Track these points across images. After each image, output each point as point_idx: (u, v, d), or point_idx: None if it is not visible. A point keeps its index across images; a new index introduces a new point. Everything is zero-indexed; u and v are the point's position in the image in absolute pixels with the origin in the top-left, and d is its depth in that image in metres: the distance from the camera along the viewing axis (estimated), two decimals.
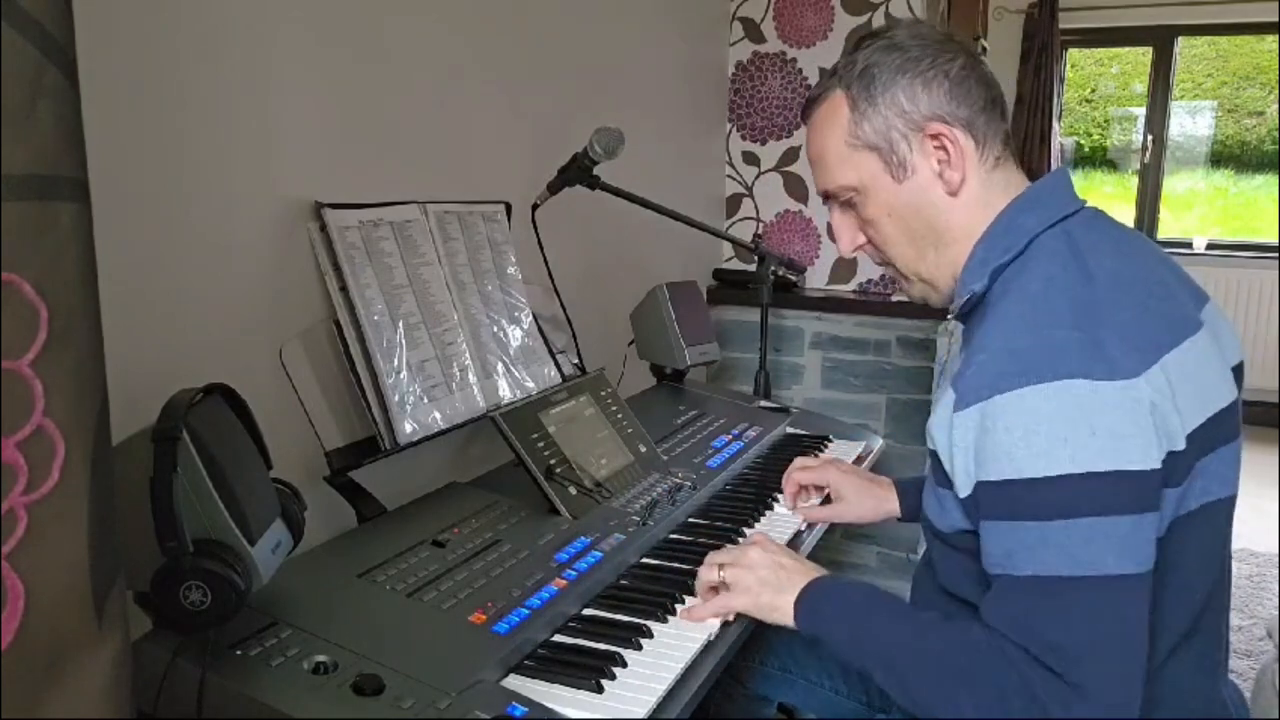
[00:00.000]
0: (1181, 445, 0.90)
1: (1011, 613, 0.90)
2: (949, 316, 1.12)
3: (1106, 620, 0.86)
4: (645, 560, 1.28)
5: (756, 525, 1.43)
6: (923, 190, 1.05)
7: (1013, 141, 1.09)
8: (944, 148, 1.03)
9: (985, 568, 0.94)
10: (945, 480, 0.98)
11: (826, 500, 1.50)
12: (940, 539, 1.04)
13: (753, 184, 2.90)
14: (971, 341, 1.02)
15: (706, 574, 1.14)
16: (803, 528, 1.45)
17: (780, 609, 1.08)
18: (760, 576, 1.11)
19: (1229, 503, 0.99)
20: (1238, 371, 1.05)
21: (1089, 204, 1.06)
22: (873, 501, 1.44)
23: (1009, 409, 0.88)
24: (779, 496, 1.53)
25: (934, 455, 0.99)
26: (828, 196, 1.12)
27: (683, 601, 1.15)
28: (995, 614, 0.91)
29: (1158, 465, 0.88)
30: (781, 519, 1.46)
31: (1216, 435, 0.95)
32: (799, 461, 1.52)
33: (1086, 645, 0.86)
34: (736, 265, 2.90)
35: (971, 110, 1.03)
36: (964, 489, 0.94)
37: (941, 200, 1.05)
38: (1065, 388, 0.87)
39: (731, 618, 1.12)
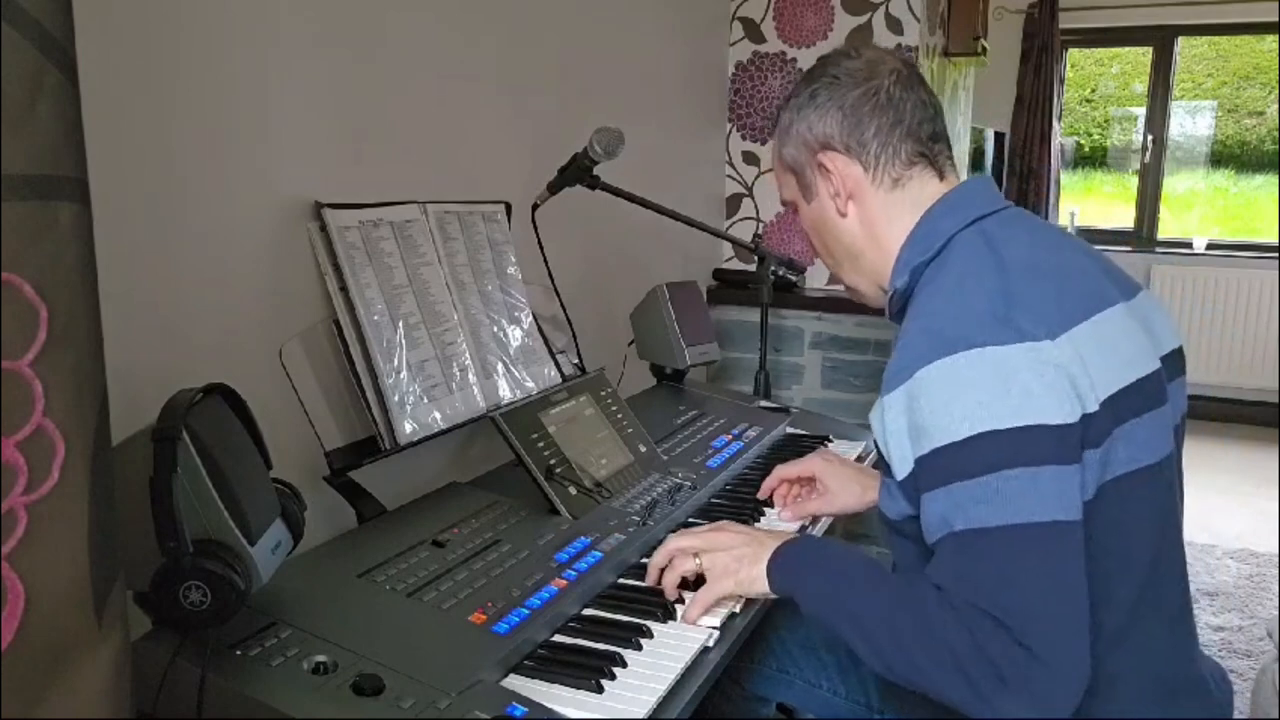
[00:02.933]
0: (1094, 408, 0.95)
1: (952, 568, 0.93)
2: (888, 318, 1.21)
3: (1043, 566, 0.90)
4: (645, 560, 1.28)
5: (756, 525, 1.43)
6: (824, 210, 1.18)
7: (941, 154, 1.16)
8: (830, 174, 1.15)
9: (927, 541, 0.97)
10: (888, 469, 1.03)
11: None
12: (891, 527, 1.09)
13: (753, 184, 2.90)
14: (899, 333, 1.08)
15: (683, 565, 1.15)
16: (806, 522, 1.45)
17: (758, 579, 1.11)
18: (736, 554, 1.13)
19: (1161, 469, 1.02)
20: (1174, 358, 1.10)
21: (1013, 207, 1.14)
22: (858, 488, 1.45)
23: (928, 382, 0.95)
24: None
25: (877, 447, 1.05)
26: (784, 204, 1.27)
27: (683, 601, 1.15)
28: (939, 573, 0.95)
29: (1073, 420, 0.93)
30: (781, 520, 1.46)
31: (1137, 402, 0.99)
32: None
33: (1026, 590, 0.89)
34: (736, 265, 2.90)
35: (862, 137, 1.13)
36: (901, 470, 0.99)
37: (836, 220, 1.17)
38: (977, 355, 0.93)
39: (739, 605, 1.13)
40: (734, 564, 1.12)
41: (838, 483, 1.45)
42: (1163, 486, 1.03)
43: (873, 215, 1.15)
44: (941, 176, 1.16)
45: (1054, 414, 0.92)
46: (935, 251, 1.09)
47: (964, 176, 1.19)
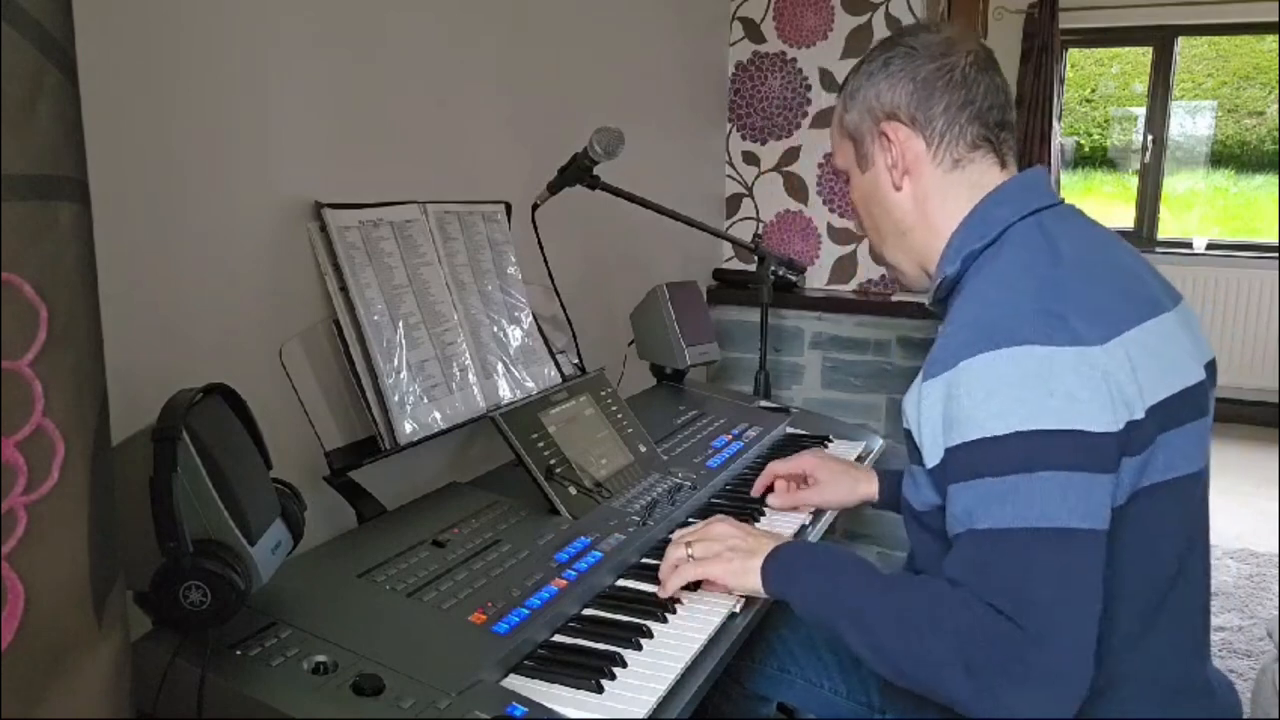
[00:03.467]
0: (1141, 415, 0.93)
1: (970, 563, 0.92)
2: (927, 303, 1.18)
3: (1062, 571, 0.88)
4: (645, 560, 1.28)
5: (756, 525, 1.43)
6: (878, 182, 1.16)
7: (1006, 143, 1.14)
8: (891, 145, 1.12)
9: (949, 532, 0.96)
10: (918, 457, 1.01)
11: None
12: (915, 519, 1.08)
13: (753, 184, 2.90)
14: (945, 320, 1.07)
15: (674, 552, 1.15)
16: (806, 521, 1.45)
17: (750, 571, 1.10)
18: (730, 545, 1.13)
19: (1196, 480, 1.01)
20: (1209, 368, 1.08)
21: (1066, 203, 1.11)
22: (849, 483, 1.45)
23: (971, 374, 0.93)
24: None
25: (907, 433, 1.04)
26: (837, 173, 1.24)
27: (682, 601, 1.15)
28: (955, 566, 0.94)
29: (1113, 429, 0.91)
30: (781, 519, 1.46)
31: (1181, 412, 0.98)
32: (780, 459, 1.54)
33: (1041, 593, 0.88)
34: (736, 265, 2.90)
35: (930, 112, 1.10)
36: (932, 458, 0.98)
37: (889, 192, 1.15)
38: (1024, 352, 0.91)
39: (739, 605, 1.13)
40: (726, 553, 1.12)
41: (828, 475, 1.47)
42: (1195, 497, 1.02)
43: (927, 193, 1.12)
44: (1003, 165, 1.13)
45: (1095, 421, 0.90)
46: (990, 240, 1.06)
47: None
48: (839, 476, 1.46)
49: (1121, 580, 0.95)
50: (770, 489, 1.51)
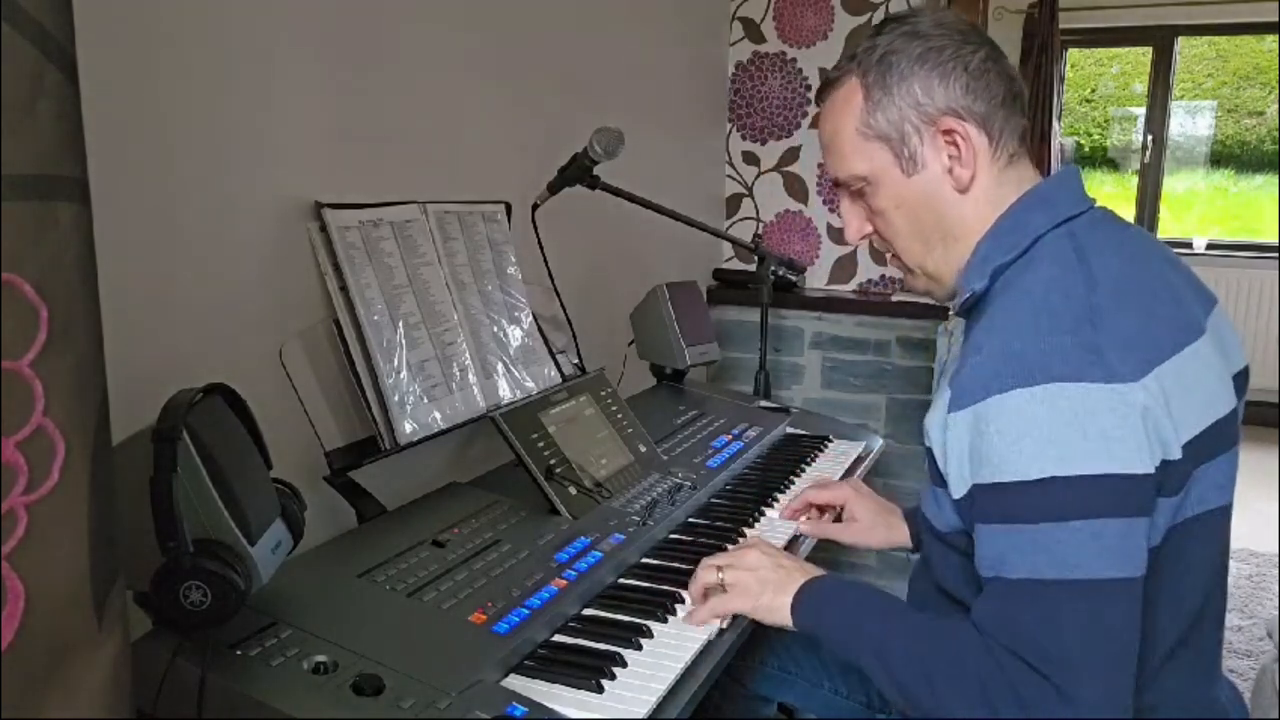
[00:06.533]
0: (1177, 455, 0.89)
1: (1001, 615, 0.90)
2: (951, 313, 1.11)
3: (1095, 624, 0.85)
4: (645, 560, 1.28)
5: (756, 526, 1.43)
6: (931, 185, 1.03)
7: (1029, 138, 1.08)
8: (955, 144, 1.01)
9: (978, 570, 0.94)
10: (941, 479, 0.98)
11: (837, 519, 1.45)
12: (937, 538, 1.04)
13: (753, 184, 2.90)
14: (970, 340, 1.01)
15: (705, 576, 1.13)
16: (800, 529, 1.44)
17: (779, 609, 1.08)
18: (760, 577, 1.10)
19: (1226, 510, 0.99)
20: (1241, 378, 1.04)
21: (1098, 204, 1.05)
22: (884, 530, 1.40)
23: (1001, 411, 0.88)
24: (778, 497, 1.52)
25: (930, 453, 0.99)
26: (837, 184, 1.11)
27: (683, 601, 1.15)
28: (985, 616, 0.91)
29: (1150, 470, 0.87)
30: (780, 521, 1.46)
31: (1215, 444, 0.94)
32: (816, 483, 1.50)
33: (1074, 649, 0.85)
34: (736, 265, 2.90)
35: (989, 105, 1.01)
36: (958, 490, 0.94)
37: (950, 196, 1.03)
38: (1057, 391, 0.86)
39: (726, 623, 1.12)
40: (757, 587, 1.09)
41: (865, 514, 1.40)
42: (1224, 526, 1.00)
43: (988, 194, 1.03)
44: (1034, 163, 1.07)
45: (1130, 463, 0.86)
46: (1020, 252, 0.99)
47: None
48: (875, 519, 1.40)
49: (1150, 619, 0.92)
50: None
